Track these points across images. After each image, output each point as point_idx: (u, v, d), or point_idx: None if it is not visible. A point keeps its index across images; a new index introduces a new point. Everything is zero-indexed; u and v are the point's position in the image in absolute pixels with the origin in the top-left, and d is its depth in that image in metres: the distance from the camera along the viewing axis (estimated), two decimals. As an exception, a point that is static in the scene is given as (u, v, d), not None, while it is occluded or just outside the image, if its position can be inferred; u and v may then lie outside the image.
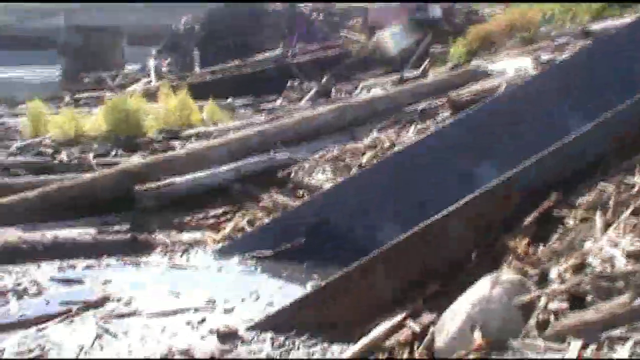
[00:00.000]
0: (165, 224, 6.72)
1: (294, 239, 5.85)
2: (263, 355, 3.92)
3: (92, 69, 21.01)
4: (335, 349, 3.89)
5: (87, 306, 4.83)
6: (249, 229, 6.36)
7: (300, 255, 5.69)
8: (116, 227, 6.59)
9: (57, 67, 26.55)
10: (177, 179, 7.16)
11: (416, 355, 3.55)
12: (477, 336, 3.12)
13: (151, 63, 18.91)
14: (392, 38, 14.04)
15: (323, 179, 6.93)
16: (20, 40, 28.21)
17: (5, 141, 10.15)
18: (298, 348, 3.95)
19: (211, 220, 6.70)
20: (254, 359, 3.86)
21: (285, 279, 5.39)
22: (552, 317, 3.05)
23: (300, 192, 6.88)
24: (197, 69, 18.11)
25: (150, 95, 12.13)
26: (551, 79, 6.64)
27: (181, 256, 6.00)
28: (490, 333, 3.13)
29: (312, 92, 12.35)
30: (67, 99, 15.75)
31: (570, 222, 4.04)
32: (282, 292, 4.98)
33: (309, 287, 5.00)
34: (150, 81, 16.54)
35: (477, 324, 3.18)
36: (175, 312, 4.69)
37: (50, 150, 9.07)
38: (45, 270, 5.63)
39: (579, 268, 3.29)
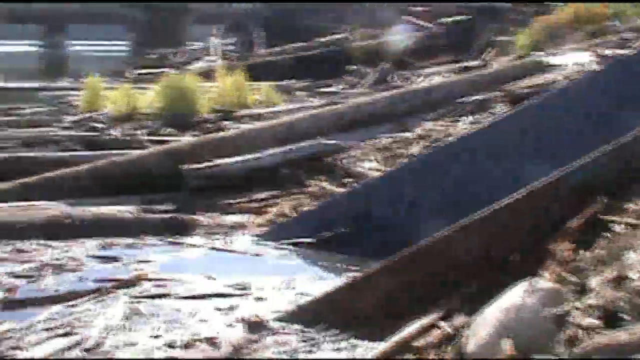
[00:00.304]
0: (210, 205, 6.65)
1: (337, 227, 5.72)
2: (289, 347, 3.80)
3: (158, 45, 21.15)
4: (364, 346, 3.76)
5: (120, 285, 4.79)
6: (292, 215, 6.26)
7: (341, 244, 5.57)
8: (160, 207, 6.55)
9: (125, 43, 26.87)
10: (225, 161, 7.10)
11: (445, 358, 3.39)
12: (507, 346, 2.96)
13: (214, 42, 18.94)
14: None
15: (371, 168, 6.79)
16: (93, 16, 28.60)
17: (61, 115, 10.25)
18: (325, 342, 3.83)
19: (255, 204, 6.61)
20: (274, 358, 3.73)
21: (323, 269, 5.29)
22: (583, 334, 2.86)
23: (347, 180, 6.75)
24: (259, 50, 18.09)
25: (208, 74, 12.09)
26: (612, 75, 6.37)
27: (222, 239, 5.92)
28: (521, 343, 2.97)
29: (370, 77, 12.17)
30: (129, 74, 15.87)
31: (618, 228, 3.82)
32: (317, 282, 4.87)
33: (345, 278, 4.87)
34: (211, 60, 16.54)
35: (507, 333, 3.01)
36: (207, 297, 4.61)
37: (103, 126, 9.12)
38: (85, 247, 5.62)
39: (619, 281, 3.08)
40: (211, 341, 3.84)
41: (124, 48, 26.10)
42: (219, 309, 4.39)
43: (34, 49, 27.63)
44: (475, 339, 3.22)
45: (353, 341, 3.81)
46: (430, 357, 3.42)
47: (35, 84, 15.92)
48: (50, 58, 26.22)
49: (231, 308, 4.41)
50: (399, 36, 15.12)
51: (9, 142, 8.82)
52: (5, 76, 19.53)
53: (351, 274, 4.88)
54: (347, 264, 5.25)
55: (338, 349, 3.75)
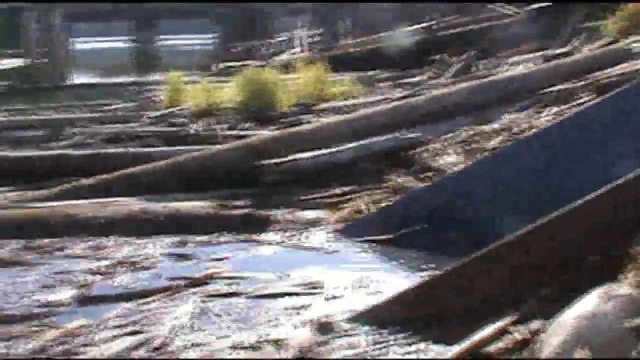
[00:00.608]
0: (286, 201, 6.60)
1: (415, 224, 5.58)
2: (358, 350, 3.69)
3: (244, 39, 21.32)
4: (434, 350, 3.62)
5: (192, 283, 4.77)
6: (369, 211, 6.14)
7: (419, 241, 5.42)
8: (237, 202, 6.53)
9: (213, 37, 27.21)
10: (302, 155, 7.03)
11: (518, 366, 3.23)
12: (581, 356, 2.78)
13: (299, 34, 18.95)
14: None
15: (450, 162, 6.61)
16: (180, 10, 29.06)
17: (144, 110, 10.38)
18: (396, 345, 3.71)
19: (332, 200, 6.51)
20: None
21: (400, 267, 5.15)
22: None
23: (426, 174, 6.59)
24: (344, 41, 18.01)
25: (291, 67, 12.06)
26: None
27: (297, 236, 5.84)
28: (596, 354, 2.78)
29: (454, 68, 11.93)
30: (215, 68, 16.02)
31: None
32: (392, 281, 4.73)
33: (420, 277, 4.73)
34: (295, 52, 16.54)
35: (582, 342, 2.83)
36: (278, 296, 4.54)
37: (183, 121, 9.19)
38: (160, 244, 5.64)
39: None
40: (278, 343, 3.76)
41: (211, 42, 26.43)
42: (289, 309, 4.32)
43: (125, 45, 28.28)
44: (549, 347, 3.05)
45: (424, 344, 3.68)
46: (502, 365, 3.26)
47: (125, 80, 16.26)
48: (141, 53, 26.78)
49: (302, 307, 4.33)
50: (483, 24, 14.80)
51: (93, 139, 8.99)
52: (98, 72, 20.06)
53: (427, 273, 4.75)
54: (424, 262, 5.09)
55: (408, 353, 3.62)
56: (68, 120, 10.08)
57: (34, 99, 13.68)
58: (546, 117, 6.95)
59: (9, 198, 7.08)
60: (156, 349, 3.81)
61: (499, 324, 3.55)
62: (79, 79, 20.15)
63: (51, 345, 3.87)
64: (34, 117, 10.74)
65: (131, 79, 16.30)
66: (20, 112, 11.67)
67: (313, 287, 4.65)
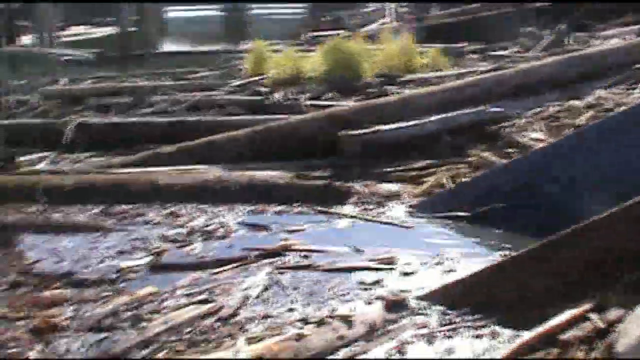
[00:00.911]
0: (366, 173, 6.50)
1: (495, 201, 5.40)
2: (426, 331, 3.59)
3: (335, 8, 21.18)
4: (506, 334, 3.49)
5: (265, 254, 4.75)
6: (449, 186, 5.99)
7: (499, 220, 5.23)
8: (316, 173, 6.46)
9: (303, 5, 27.12)
10: (383, 127, 6.90)
11: (593, 356, 3.07)
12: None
13: (389, 4, 18.69)
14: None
15: (535, 138, 6.38)
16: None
17: (229, 79, 10.40)
18: (465, 328, 3.59)
19: (412, 173, 6.37)
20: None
21: (476, 245, 4.98)
22: None
23: (510, 150, 6.39)
24: (434, 11, 17.67)
25: (378, 36, 11.87)
26: None
27: (375, 209, 5.74)
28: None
29: (545, 41, 11.54)
30: (302, 37, 15.95)
31: None
32: (467, 260, 4.58)
33: (499, 258, 4.57)
34: (384, 23, 16.31)
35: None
36: (350, 270, 4.47)
37: (266, 90, 9.16)
38: (236, 213, 5.64)
39: None
40: (346, 319, 3.69)
41: (302, 11, 26.36)
42: (361, 284, 4.24)
43: (217, 13, 28.47)
44: (628, 337, 2.89)
45: (495, 328, 3.55)
46: (577, 354, 3.10)
47: (214, 48, 16.35)
48: (232, 22, 26.91)
49: (374, 283, 4.25)
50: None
51: (176, 106, 9.06)
52: (188, 41, 20.24)
53: (505, 253, 4.60)
54: (502, 242, 4.92)
55: (478, 336, 3.50)
56: (153, 88, 10.18)
57: (123, 66, 13.91)
58: (639, 94, 6.63)
59: (94, 163, 7.21)
60: (222, 319, 3.80)
61: (577, 310, 3.40)
62: (169, 47, 20.41)
63: (120, 311, 3.90)
64: (120, 84, 10.89)
65: (220, 48, 16.39)
66: (108, 79, 11.87)
67: (386, 263, 4.56)
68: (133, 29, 22.82)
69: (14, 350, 3.50)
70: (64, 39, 22.68)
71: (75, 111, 9.33)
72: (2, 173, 6.76)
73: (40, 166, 7.20)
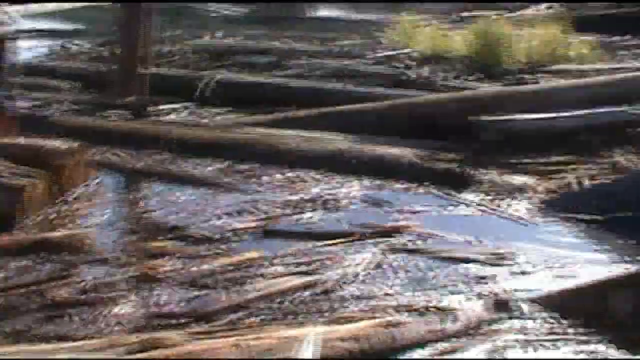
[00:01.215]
0: (495, 162, 6.24)
1: (629, 208, 5.07)
2: (531, 337, 3.39)
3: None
4: (614, 356, 3.24)
5: (377, 232, 4.63)
6: (581, 186, 5.67)
7: (630, 229, 4.91)
8: (442, 156, 6.28)
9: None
10: (518, 117, 6.61)
11: None
12: None
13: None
14: None
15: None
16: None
17: (372, 49, 10.28)
18: (573, 341, 3.36)
19: (543, 168, 6.07)
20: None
21: (600, 253, 4.65)
22: None
23: (652, 155, 6.00)
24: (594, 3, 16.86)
25: (531, 22, 11.42)
26: None
27: (498, 200, 5.49)
28: None
29: None
30: (456, 14, 15.59)
31: None
32: (588, 267, 4.30)
33: (625, 268, 4.28)
34: (540, 9, 15.70)
35: None
36: (461, 261, 4.30)
37: (407, 64, 8.99)
38: (356, 186, 5.54)
39: None
40: (445, 312, 3.54)
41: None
42: (470, 277, 4.07)
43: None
44: None
45: (604, 346, 3.31)
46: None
47: (365, 17, 16.24)
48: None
49: (483, 278, 4.06)
50: None
51: (317, 72, 9.03)
52: (343, 6, 20.19)
53: (633, 265, 4.30)
54: (631, 253, 4.60)
55: (582, 352, 3.27)
56: (296, 51, 10.20)
57: (273, 27, 14.01)
58: None
59: (227, 120, 7.30)
60: (320, 294, 3.72)
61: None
62: (321, 11, 20.43)
63: (220, 271, 3.89)
64: (266, 43, 10.97)
65: (371, 17, 16.25)
66: (255, 38, 11.97)
67: (501, 259, 4.34)
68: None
69: (108, 295, 3.55)
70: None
71: (218, 66, 9.46)
72: (138, 120, 6.95)
73: (176, 117, 7.35)
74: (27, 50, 10.30)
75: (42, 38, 12.00)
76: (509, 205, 5.40)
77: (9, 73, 5.92)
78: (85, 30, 13.28)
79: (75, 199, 4.85)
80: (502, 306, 3.68)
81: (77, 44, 11.23)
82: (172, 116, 7.36)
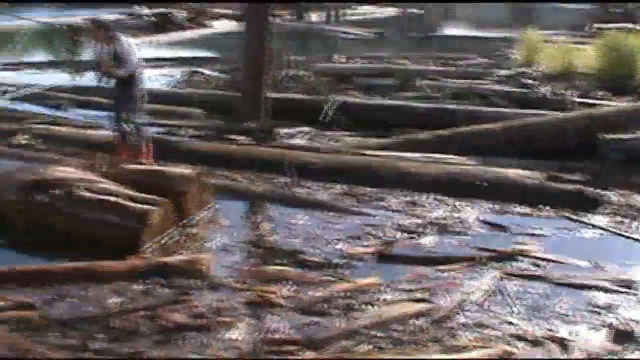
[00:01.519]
0: (624, 182, 6.02)
1: None
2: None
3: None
4: None
5: (497, 257, 4.52)
6: None
7: None
8: (568, 176, 6.08)
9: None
10: (646, 135, 6.35)
11: None
12: None
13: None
14: None
15: None
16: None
17: (495, 68, 10.10)
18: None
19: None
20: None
21: None
22: None
23: None
24: None
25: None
26: None
27: (627, 223, 5.26)
28: None
29: None
30: (586, 29, 15.18)
31: None
32: None
33: None
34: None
35: None
36: (584, 288, 4.13)
37: (534, 83, 8.77)
38: (477, 209, 5.43)
39: None
40: (564, 342, 3.41)
41: (591, 6, 25.10)
42: (591, 305, 3.91)
43: None
44: None
45: None
46: None
47: (491, 34, 16.07)
48: (518, 9, 26.21)
49: (606, 307, 3.89)
50: None
51: (440, 92, 8.95)
52: (470, 25, 20.05)
53: None
54: None
55: None
56: (419, 72, 10.14)
57: (399, 47, 14.03)
58: None
59: (348, 143, 7.28)
60: (435, 321, 3.65)
61: None
62: (449, 30, 20.33)
63: (335, 297, 3.88)
64: (388, 65, 10.96)
65: (496, 34, 16.04)
66: (379, 59, 11.99)
67: (625, 286, 4.16)
68: (415, 10, 22.96)
69: (222, 319, 3.60)
70: (348, 18, 23.39)
71: (340, 89, 9.53)
72: (260, 144, 7.04)
73: (297, 141, 7.40)
74: (159, 78, 10.74)
75: (175, 66, 12.46)
76: (637, 227, 5.17)
77: (141, 101, 6.11)
78: (217, 57, 13.69)
79: (194, 223, 4.96)
80: (625, 337, 3.52)
81: (206, 71, 11.57)
82: (295, 140, 7.42)
